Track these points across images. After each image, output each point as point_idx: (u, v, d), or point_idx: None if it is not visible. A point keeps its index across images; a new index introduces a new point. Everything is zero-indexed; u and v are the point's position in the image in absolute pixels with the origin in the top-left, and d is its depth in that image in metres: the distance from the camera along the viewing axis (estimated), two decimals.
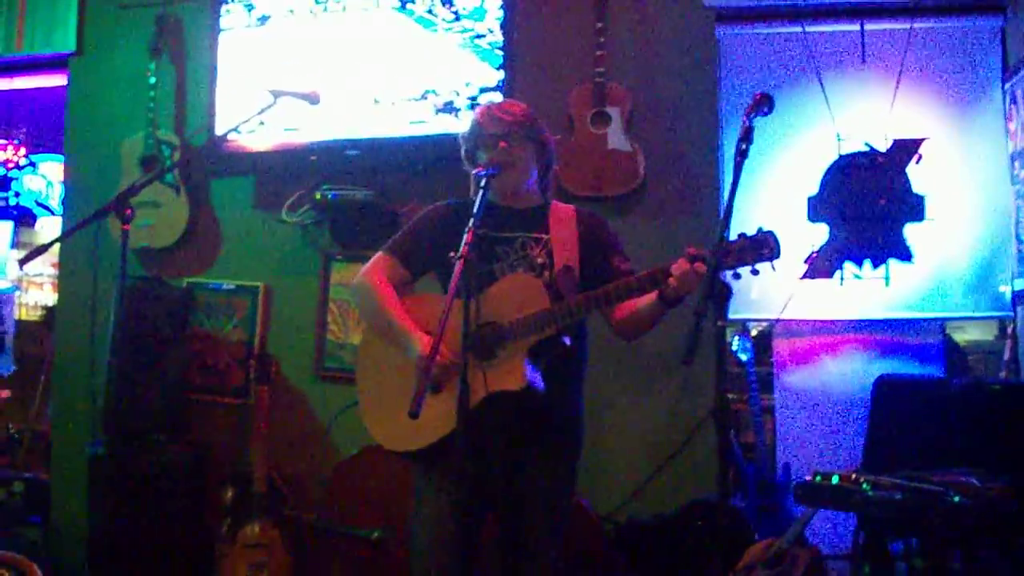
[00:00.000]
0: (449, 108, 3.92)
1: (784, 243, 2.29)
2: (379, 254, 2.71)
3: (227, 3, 4.27)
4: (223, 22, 4.28)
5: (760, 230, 2.28)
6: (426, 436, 2.47)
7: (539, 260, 2.58)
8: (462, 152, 2.68)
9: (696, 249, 2.36)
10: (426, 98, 3.95)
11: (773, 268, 2.29)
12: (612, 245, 2.67)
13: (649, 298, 2.46)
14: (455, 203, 2.73)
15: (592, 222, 2.69)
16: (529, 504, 2.56)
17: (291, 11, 4.17)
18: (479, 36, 3.91)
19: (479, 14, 3.92)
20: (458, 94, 3.92)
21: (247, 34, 4.24)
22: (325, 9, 4.12)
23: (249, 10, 4.23)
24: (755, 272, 2.29)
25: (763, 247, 2.27)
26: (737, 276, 2.30)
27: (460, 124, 3.73)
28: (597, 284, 2.49)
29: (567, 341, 2.48)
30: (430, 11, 3.97)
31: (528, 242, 2.60)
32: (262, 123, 4.07)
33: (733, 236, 2.29)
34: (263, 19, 4.22)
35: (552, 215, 2.66)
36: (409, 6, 3.99)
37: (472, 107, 3.75)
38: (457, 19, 3.94)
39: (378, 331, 2.67)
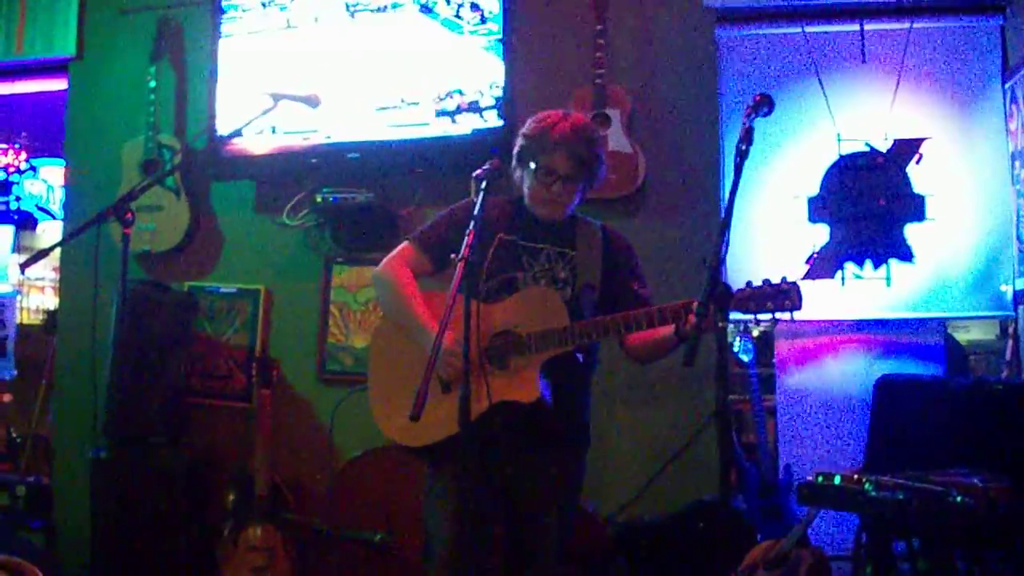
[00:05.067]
0: (475, 107, 3.92)
1: (790, 253, 2.30)
2: (404, 243, 2.71)
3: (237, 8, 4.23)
4: (228, 28, 4.25)
5: (784, 280, 2.30)
6: (434, 433, 2.48)
7: (561, 275, 2.60)
8: (515, 149, 2.63)
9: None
10: (452, 97, 3.95)
11: (792, 320, 2.30)
12: (633, 269, 2.70)
13: (667, 329, 2.46)
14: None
15: (617, 244, 2.71)
16: (536, 507, 2.58)
17: (316, 19, 4.15)
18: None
19: (497, 19, 3.94)
20: (482, 94, 3.92)
21: (251, 40, 4.22)
22: (353, 16, 4.10)
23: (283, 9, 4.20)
24: (775, 321, 2.31)
25: (786, 298, 2.29)
26: (757, 323, 2.31)
27: (484, 122, 3.87)
28: (613, 305, 2.53)
29: (580, 358, 2.52)
30: (457, 15, 3.98)
31: (553, 255, 2.61)
32: (261, 131, 4.08)
33: (757, 282, 2.30)
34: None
35: (579, 231, 2.66)
36: (436, 8, 4.00)
37: (496, 107, 3.81)
38: (483, 22, 3.94)
39: (396, 322, 2.67)
